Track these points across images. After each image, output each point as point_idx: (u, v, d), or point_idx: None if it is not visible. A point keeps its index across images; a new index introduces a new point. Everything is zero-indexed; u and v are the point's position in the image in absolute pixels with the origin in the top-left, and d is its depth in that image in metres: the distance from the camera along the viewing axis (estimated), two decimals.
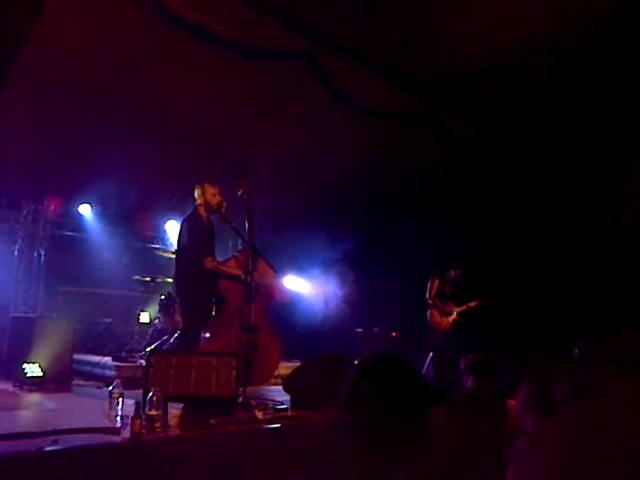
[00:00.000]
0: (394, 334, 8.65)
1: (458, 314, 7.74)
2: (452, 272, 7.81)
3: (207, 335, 5.43)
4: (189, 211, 5.54)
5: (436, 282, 7.78)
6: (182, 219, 5.62)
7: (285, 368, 5.98)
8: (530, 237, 7.67)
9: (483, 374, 4.14)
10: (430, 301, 7.76)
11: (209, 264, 5.25)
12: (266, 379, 5.69)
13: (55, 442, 3.05)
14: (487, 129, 7.33)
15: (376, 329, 9.06)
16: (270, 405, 4.61)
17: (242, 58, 5.76)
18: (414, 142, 7.35)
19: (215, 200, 5.27)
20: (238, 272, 5.26)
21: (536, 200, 7.61)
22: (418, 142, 7.36)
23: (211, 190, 5.29)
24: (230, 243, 10.20)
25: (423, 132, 7.23)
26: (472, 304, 7.70)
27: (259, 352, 5.27)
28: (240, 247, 5.73)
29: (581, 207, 7.33)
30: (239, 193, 5.17)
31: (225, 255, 9.98)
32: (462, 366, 4.19)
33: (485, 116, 7.12)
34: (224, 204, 5.26)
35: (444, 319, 7.76)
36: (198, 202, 5.36)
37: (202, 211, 5.34)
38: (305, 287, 9.59)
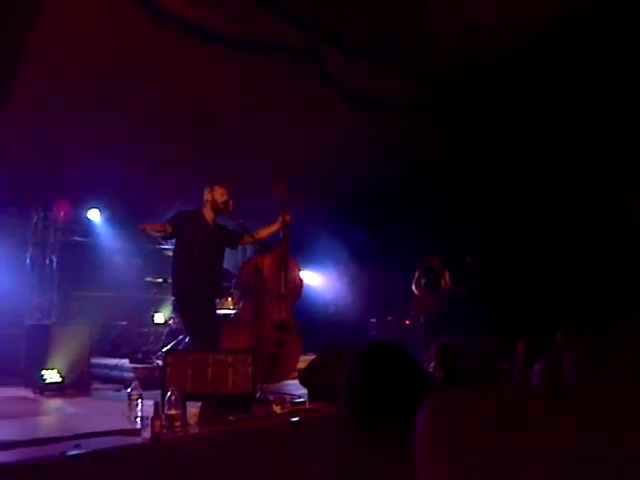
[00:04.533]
0: (408, 322, 8.67)
1: (450, 295, 8.05)
2: (436, 261, 8.20)
3: (233, 330, 5.63)
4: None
5: (417, 272, 8.30)
6: None
7: (301, 362, 6.02)
8: (533, 224, 7.69)
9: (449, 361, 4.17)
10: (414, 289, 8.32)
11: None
12: (288, 375, 5.74)
13: (77, 446, 3.10)
14: (489, 112, 7.29)
15: (390, 318, 9.08)
16: (288, 399, 4.64)
17: (241, 53, 5.76)
18: (414, 129, 7.31)
19: (222, 198, 5.40)
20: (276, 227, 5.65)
21: (535, 188, 7.60)
22: (418, 128, 7.33)
23: (219, 190, 5.45)
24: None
25: (424, 118, 7.20)
26: (460, 289, 7.98)
27: (285, 349, 5.41)
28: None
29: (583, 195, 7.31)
30: (275, 190, 5.53)
31: (238, 256, 10.08)
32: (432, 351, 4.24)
33: (486, 98, 7.07)
34: (230, 202, 5.34)
35: (421, 307, 8.21)
36: (205, 200, 5.50)
37: (207, 211, 5.46)
38: (315, 279, 9.62)
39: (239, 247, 6.27)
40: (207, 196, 5.47)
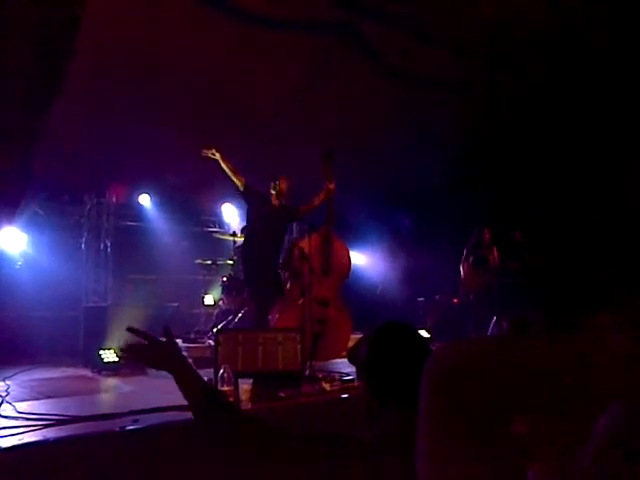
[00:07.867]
0: (455, 300, 8.60)
1: (499, 272, 7.87)
2: (486, 234, 8.09)
3: (282, 310, 5.81)
4: None
5: (465, 250, 8.21)
6: None
7: (351, 340, 6.05)
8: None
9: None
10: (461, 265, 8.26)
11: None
12: (336, 354, 5.79)
13: (135, 421, 3.22)
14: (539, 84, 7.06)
15: (437, 297, 9.03)
16: (337, 377, 4.69)
17: (275, 33, 5.74)
18: (459, 107, 7.16)
19: (285, 186, 6.16)
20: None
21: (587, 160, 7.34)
22: (465, 105, 7.18)
23: (286, 183, 6.18)
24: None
25: (471, 95, 7.04)
26: (512, 265, 7.79)
27: (329, 328, 5.50)
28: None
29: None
30: (322, 174, 5.96)
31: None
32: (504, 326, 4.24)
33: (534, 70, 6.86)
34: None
35: (471, 285, 8.12)
36: (272, 191, 6.14)
37: (273, 198, 6.16)
38: (364, 260, 9.63)
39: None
40: (277, 188, 6.11)
